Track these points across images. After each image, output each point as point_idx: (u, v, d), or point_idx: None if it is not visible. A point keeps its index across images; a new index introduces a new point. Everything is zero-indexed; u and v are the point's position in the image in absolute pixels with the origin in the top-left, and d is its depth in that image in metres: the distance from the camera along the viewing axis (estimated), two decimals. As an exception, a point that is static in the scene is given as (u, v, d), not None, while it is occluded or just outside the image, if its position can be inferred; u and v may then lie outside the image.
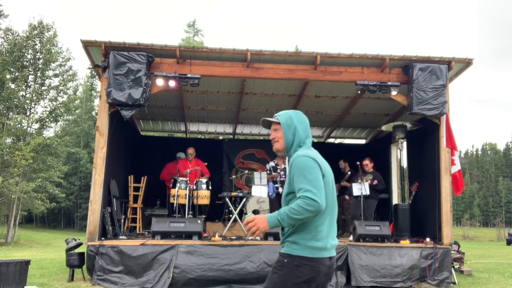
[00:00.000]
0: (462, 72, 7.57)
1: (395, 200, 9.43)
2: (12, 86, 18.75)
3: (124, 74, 6.61)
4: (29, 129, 20.10)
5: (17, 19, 66.72)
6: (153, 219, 6.84)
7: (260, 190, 7.70)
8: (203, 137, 13.42)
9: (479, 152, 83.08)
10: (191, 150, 8.78)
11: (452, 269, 6.89)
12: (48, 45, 20.45)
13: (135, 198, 8.79)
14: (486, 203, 64.42)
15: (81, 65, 68.68)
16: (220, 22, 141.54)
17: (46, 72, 20.82)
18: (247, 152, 11.42)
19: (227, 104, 9.76)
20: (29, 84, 20.35)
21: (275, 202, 7.90)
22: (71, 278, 6.39)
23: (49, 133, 22.94)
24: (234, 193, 8.18)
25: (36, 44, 20.38)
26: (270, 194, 7.89)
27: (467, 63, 7.25)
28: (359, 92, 7.33)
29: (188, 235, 6.66)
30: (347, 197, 8.88)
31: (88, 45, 6.82)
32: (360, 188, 7.90)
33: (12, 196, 17.82)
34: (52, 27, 21.05)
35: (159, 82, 6.94)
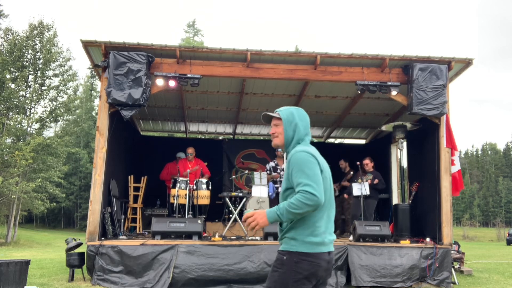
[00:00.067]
0: (462, 72, 7.57)
1: (395, 200, 9.43)
2: (12, 86, 18.75)
3: (124, 74, 6.61)
4: (29, 129, 20.10)
5: (17, 19, 66.76)
6: (153, 219, 6.84)
7: (260, 190, 7.70)
8: (203, 137, 13.42)
9: (479, 152, 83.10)
10: (191, 150, 8.78)
11: (452, 269, 6.89)
12: (48, 45, 20.45)
13: (135, 198, 8.79)
14: (486, 203, 64.42)
15: (81, 65, 68.78)
16: (220, 22, 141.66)
17: (46, 72, 20.82)
18: (247, 152, 11.42)
19: (227, 104, 9.76)
20: (29, 84, 20.36)
21: (275, 202, 7.90)
22: (71, 278, 6.39)
23: (49, 133, 22.97)
24: (234, 193, 8.18)
25: (36, 44, 20.39)
26: (270, 194, 7.90)
27: (467, 63, 7.25)
28: (359, 92, 7.33)
29: (188, 235, 6.66)
30: (346, 196, 8.88)
31: (88, 45, 6.83)
32: (360, 188, 7.91)
33: (12, 196, 17.82)
34: (52, 27, 21.07)
35: (159, 82, 6.94)
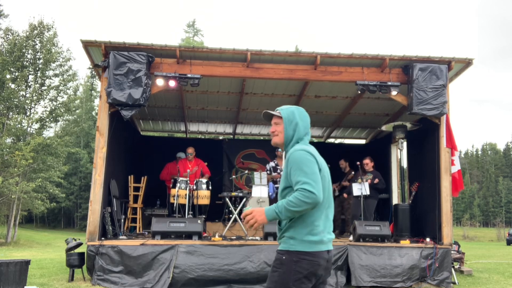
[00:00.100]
0: (462, 72, 7.57)
1: (395, 200, 9.43)
2: (12, 86, 18.75)
3: (124, 74, 6.61)
4: (29, 129, 20.10)
5: (17, 19, 66.78)
6: (153, 219, 6.84)
7: (260, 190, 7.70)
8: (203, 137, 13.42)
9: (479, 152, 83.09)
10: (190, 150, 8.78)
11: (452, 269, 6.90)
12: (48, 45, 20.45)
13: (135, 198, 8.79)
14: (486, 203, 64.43)
15: (81, 65, 68.78)
16: (220, 22, 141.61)
17: (46, 72, 20.83)
18: (247, 152, 11.42)
19: (227, 104, 9.76)
20: (29, 84, 20.36)
21: (275, 202, 7.90)
22: (71, 278, 6.40)
23: (49, 133, 22.95)
24: (234, 193, 8.18)
25: (36, 44, 20.39)
26: (270, 194, 7.90)
27: (467, 63, 7.25)
28: (359, 92, 7.33)
29: (188, 235, 6.66)
30: (345, 195, 8.88)
31: (88, 45, 6.83)
32: (360, 188, 7.91)
33: (12, 196, 17.82)
34: (52, 27, 21.07)
35: (159, 82, 6.94)
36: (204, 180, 8.17)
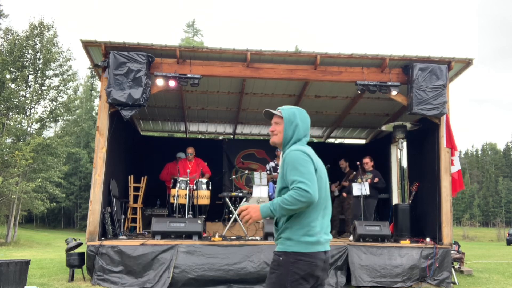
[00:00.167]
0: (462, 72, 7.57)
1: (395, 200, 9.44)
2: (12, 86, 18.74)
3: (124, 74, 6.61)
4: (29, 129, 20.09)
5: (17, 19, 66.67)
6: (153, 219, 6.84)
7: (260, 190, 7.70)
8: (203, 137, 13.42)
9: (479, 152, 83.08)
10: (190, 150, 8.78)
11: (452, 269, 6.90)
12: (48, 45, 20.44)
13: (135, 198, 8.79)
14: (486, 203, 64.42)
15: (81, 65, 68.78)
16: (220, 22, 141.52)
17: (46, 72, 20.81)
18: (247, 152, 11.42)
19: (227, 104, 9.76)
20: (29, 84, 20.34)
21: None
22: (71, 278, 6.40)
23: (49, 133, 22.93)
24: (234, 193, 8.19)
25: (36, 44, 20.37)
26: (270, 194, 7.90)
27: (467, 63, 7.26)
28: (359, 92, 7.33)
29: (188, 235, 6.67)
30: (344, 194, 8.88)
31: (88, 45, 6.83)
32: (360, 188, 7.91)
33: (12, 196, 17.82)
34: (52, 27, 21.06)
35: (159, 82, 6.94)
36: (204, 180, 8.17)
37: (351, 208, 8.51)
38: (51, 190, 20.19)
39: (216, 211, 8.95)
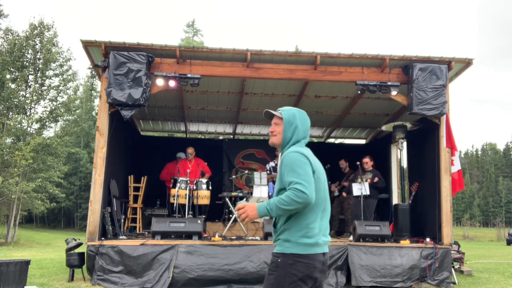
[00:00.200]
0: (462, 72, 7.57)
1: (395, 200, 9.43)
2: (12, 86, 18.74)
3: (124, 74, 6.61)
4: (29, 129, 20.09)
5: (17, 19, 66.66)
6: (153, 219, 6.84)
7: (260, 190, 7.70)
8: (203, 137, 13.42)
9: (479, 152, 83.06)
10: (190, 150, 8.78)
11: (452, 269, 6.90)
12: (48, 45, 20.44)
13: (135, 198, 8.79)
14: (486, 203, 64.42)
15: (81, 65, 68.77)
16: (220, 22, 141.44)
17: (46, 72, 20.80)
18: (247, 152, 11.42)
19: (227, 104, 9.77)
20: (29, 84, 20.34)
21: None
22: (71, 278, 6.40)
23: (49, 133, 22.92)
24: (234, 193, 8.19)
25: (36, 44, 20.37)
26: (270, 194, 7.90)
27: (467, 63, 7.26)
28: (359, 92, 7.33)
29: (188, 235, 6.67)
30: (344, 194, 8.88)
31: (88, 45, 6.83)
32: (360, 188, 7.91)
33: (12, 196, 17.82)
34: (52, 27, 21.06)
35: (159, 82, 6.94)
36: (204, 180, 8.17)
37: (351, 208, 8.51)
38: (51, 190, 20.18)
39: (216, 211, 8.96)
